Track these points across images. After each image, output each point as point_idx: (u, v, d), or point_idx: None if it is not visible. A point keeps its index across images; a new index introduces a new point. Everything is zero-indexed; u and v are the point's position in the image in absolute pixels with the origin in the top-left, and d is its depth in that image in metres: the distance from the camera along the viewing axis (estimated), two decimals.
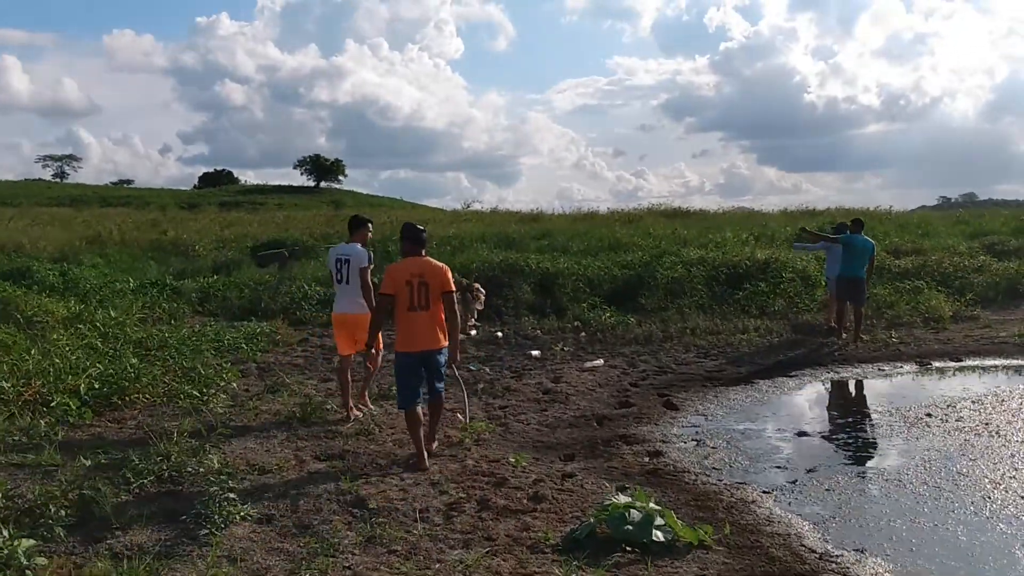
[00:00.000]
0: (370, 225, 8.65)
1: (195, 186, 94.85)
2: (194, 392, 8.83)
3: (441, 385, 7.23)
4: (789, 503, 6.28)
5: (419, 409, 7.00)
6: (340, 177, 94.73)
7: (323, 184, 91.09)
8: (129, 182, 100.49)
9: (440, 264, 7.07)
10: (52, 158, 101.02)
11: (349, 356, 8.61)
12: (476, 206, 43.48)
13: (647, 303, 16.10)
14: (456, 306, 7.18)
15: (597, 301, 15.84)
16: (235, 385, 9.62)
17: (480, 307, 14.56)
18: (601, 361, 11.88)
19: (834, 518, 5.98)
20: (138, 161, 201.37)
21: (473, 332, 14.32)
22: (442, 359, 7.08)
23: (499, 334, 14.01)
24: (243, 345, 12.21)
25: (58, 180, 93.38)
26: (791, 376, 11.17)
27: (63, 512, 5.32)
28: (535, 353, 12.52)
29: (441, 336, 7.00)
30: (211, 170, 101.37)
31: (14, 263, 17.19)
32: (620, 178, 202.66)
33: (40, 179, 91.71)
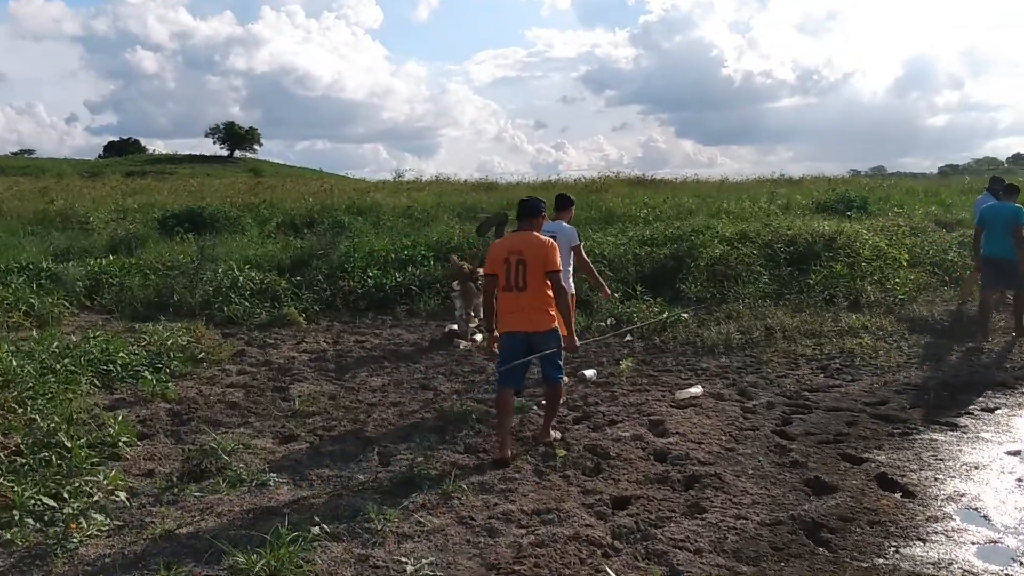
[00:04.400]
0: (573, 206, 8.39)
1: (100, 156, 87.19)
2: (42, 500, 4.52)
3: (557, 374, 6.20)
4: None
5: (511, 394, 6.20)
6: (255, 146, 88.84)
7: (237, 153, 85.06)
8: (31, 152, 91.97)
9: (544, 239, 6.06)
10: None
11: None
12: (410, 175, 39.00)
13: (691, 291, 12.22)
14: (557, 288, 6.01)
15: (637, 290, 11.85)
16: (119, 480, 5.21)
17: None
18: (699, 389, 7.89)
19: None
20: (42, 131, 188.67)
21: (479, 337, 10.20)
22: (547, 345, 6.03)
23: None
24: (146, 373, 7.83)
25: None
26: (988, 409, 7.40)
27: None
28: (589, 374, 8.48)
29: (545, 318, 6.00)
30: (116, 139, 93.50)
31: None
32: (540, 151, 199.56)
33: None
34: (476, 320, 10.30)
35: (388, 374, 8.65)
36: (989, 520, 4.96)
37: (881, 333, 10.19)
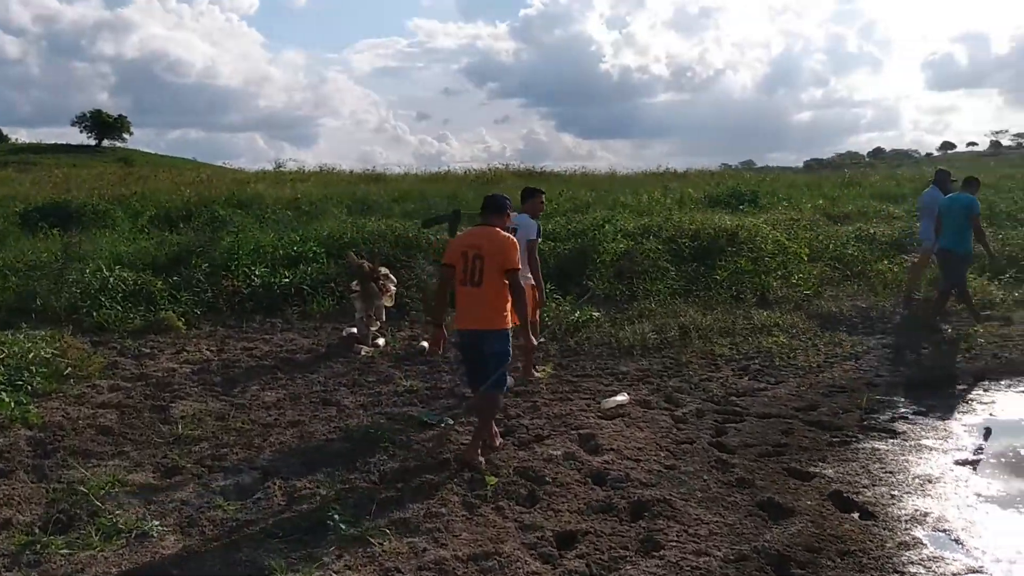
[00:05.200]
0: (543, 196, 8.40)
1: None
2: None
3: (496, 380, 5.72)
4: None
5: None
6: (125, 135, 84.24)
7: (105, 143, 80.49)
8: None
9: (505, 236, 5.78)
10: None
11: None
12: (291, 165, 37.33)
13: (597, 287, 11.80)
14: (516, 287, 5.70)
15: (545, 287, 11.29)
16: None
17: (390, 303, 9.69)
18: (625, 397, 7.38)
19: None
20: None
21: (381, 341, 9.45)
22: (495, 346, 5.69)
23: (424, 344, 9.23)
24: (3, 394, 6.79)
25: None
26: (921, 412, 7.15)
27: None
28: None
29: (496, 317, 5.68)
30: None
31: None
32: (423, 142, 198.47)
33: None
34: (378, 323, 9.54)
35: (283, 387, 7.81)
36: (963, 545, 4.59)
37: (794, 331, 9.97)
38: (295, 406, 7.19)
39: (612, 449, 5.99)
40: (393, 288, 9.61)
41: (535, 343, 6.22)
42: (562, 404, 7.20)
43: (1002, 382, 8.12)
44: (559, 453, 5.87)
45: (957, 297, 10.37)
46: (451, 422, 6.60)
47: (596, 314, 10.48)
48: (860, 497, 5.24)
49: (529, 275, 7.55)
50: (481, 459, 5.67)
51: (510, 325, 5.78)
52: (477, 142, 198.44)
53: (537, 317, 8.12)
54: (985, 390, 7.86)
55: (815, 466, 5.81)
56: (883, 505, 5.12)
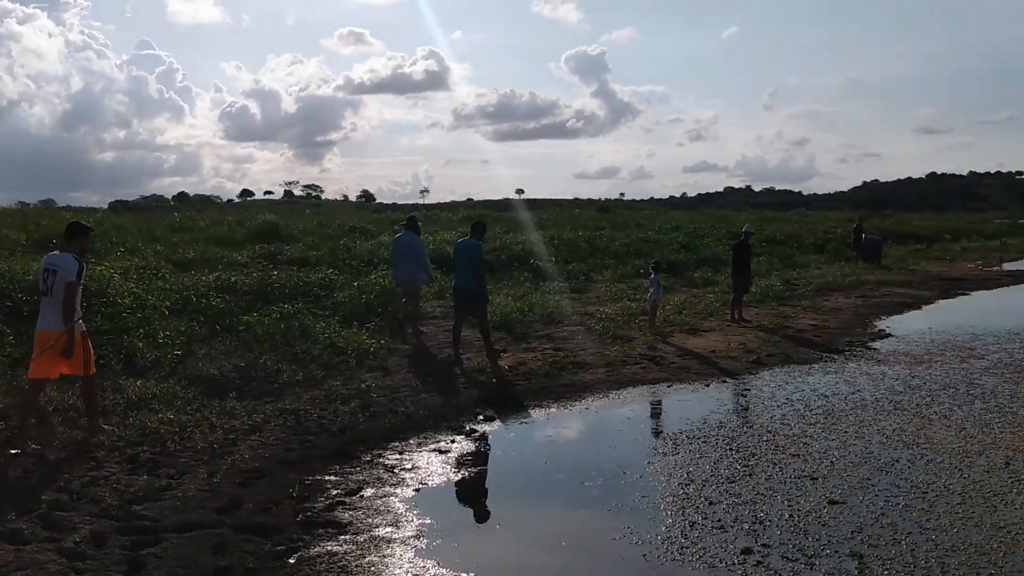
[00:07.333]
0: (90, 233, 7.65)
1: None
2: None
3: None
4: None
5: None
6: None
7: None
8: None
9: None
10: None
11: (43, 380, 7.15)
12: None
13: None
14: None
15: None
16: None
17: None
18: None
19: None
20: None
21: None
22: None
23: None
24: None
25: None
26: (352, 491, 6.50)
27: None
28: None
29: None
30: None
31: None
32: None
33: None
34: None
35: None
36: None
37: (178, 403, 8.50)
38: None
39: None
40: None
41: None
42: None
43: (411, 440, 7.94)
44: None
45: (481, 332, 11.18)
46: None
47: None
48: None
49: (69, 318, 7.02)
50: None
51: None
52: None
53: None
54: (400, 452, 7.54)
55: None
56: None
